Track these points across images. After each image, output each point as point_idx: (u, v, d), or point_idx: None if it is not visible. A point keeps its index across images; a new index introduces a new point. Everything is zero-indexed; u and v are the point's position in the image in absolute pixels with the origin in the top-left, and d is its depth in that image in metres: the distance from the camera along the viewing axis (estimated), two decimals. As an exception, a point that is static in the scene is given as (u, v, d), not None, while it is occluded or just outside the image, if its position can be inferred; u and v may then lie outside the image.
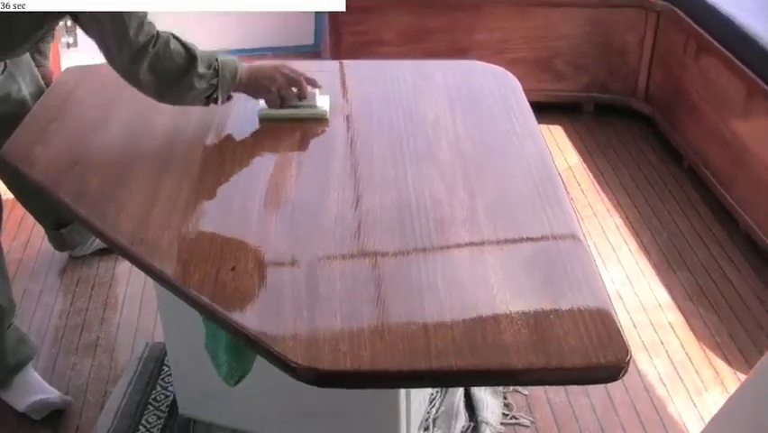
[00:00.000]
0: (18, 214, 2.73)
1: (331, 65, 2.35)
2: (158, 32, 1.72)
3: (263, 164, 1.76)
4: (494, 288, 1.40)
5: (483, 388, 2.19)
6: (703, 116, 3.06)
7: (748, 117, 2.81)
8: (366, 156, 1.78)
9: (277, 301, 1.38)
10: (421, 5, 3.36)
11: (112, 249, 1.68)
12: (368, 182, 1.68)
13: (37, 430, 2.12)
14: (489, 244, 1.51)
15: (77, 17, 1.73)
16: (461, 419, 2.12)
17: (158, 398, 2.19)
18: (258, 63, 1.86)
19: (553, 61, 3.48)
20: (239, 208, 1.62)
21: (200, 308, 1.40)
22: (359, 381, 1.32)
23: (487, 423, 2.11)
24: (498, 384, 2.14)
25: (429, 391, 2.12)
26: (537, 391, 2.22)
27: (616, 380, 1.28)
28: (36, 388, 2.16)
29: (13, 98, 2.07)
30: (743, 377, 2.28)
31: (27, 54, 2.13)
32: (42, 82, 2.21)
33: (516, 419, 2.16)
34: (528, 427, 2.15)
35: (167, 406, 2.17)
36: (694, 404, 2.22)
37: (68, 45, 3.51)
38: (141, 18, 1.68)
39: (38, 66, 2.25)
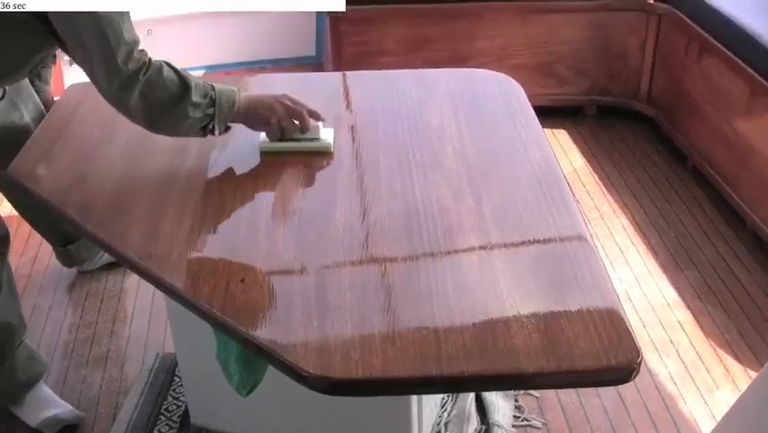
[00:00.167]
0: (25, 230, 2.74)
1: (333, 77, 2.36)
2: (150, 59, 1.66)
3: (270, 177, 1.76)
4: (503, 292, 1.40)
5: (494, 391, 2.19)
6: (706, 117, 3.06)
7: (751, 116, 2.81)
8: (372, 167, 1.78)
9: (287, 311, 1.38)
10: (421, 15, 3.36)
11: (120, 263, 1.69)
12: (374, 193, 1.68)
13: (50, 445, 2.13)
14: (497, 248, 1.52)
15: (63, 44, 1.69)
16: (473, 423, 2.12)
17: (169, 408, 2.20)
18: (258, 93, 1.82)
19: (554, 66, 3.48)
20: (247, 221, 1.63)
21: (211, 321, 1.41)
22: (371, 388, 1.33)
23: (498, 426, 2.11)
24: (510, 389, 2.14)
25: (441, 395, 2.13)
26: (548, 393, 2.22)
27: (627, 381, 1.28)
28: (48, 403, 2.16)
29: (16, 126, 2.06)
30: (753, 374, 2.28)
31: (27, 80, 2.12)
32: (43, 108, 2.18)
33: (527, 421, 2.16)
34: (540, 428, 2.15)
35: (179, 416, 2.17)
36: (705, 402, 2.22)
37: (71, 62, 3.51)
38: (130, 45, 1.62)
39: (38, 91, 2.23)
